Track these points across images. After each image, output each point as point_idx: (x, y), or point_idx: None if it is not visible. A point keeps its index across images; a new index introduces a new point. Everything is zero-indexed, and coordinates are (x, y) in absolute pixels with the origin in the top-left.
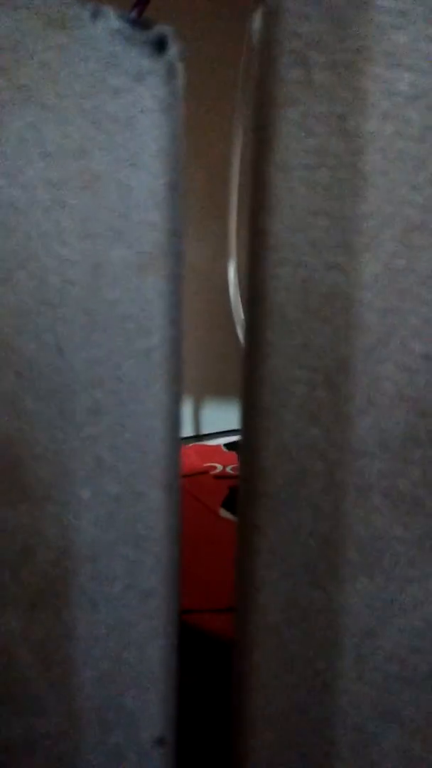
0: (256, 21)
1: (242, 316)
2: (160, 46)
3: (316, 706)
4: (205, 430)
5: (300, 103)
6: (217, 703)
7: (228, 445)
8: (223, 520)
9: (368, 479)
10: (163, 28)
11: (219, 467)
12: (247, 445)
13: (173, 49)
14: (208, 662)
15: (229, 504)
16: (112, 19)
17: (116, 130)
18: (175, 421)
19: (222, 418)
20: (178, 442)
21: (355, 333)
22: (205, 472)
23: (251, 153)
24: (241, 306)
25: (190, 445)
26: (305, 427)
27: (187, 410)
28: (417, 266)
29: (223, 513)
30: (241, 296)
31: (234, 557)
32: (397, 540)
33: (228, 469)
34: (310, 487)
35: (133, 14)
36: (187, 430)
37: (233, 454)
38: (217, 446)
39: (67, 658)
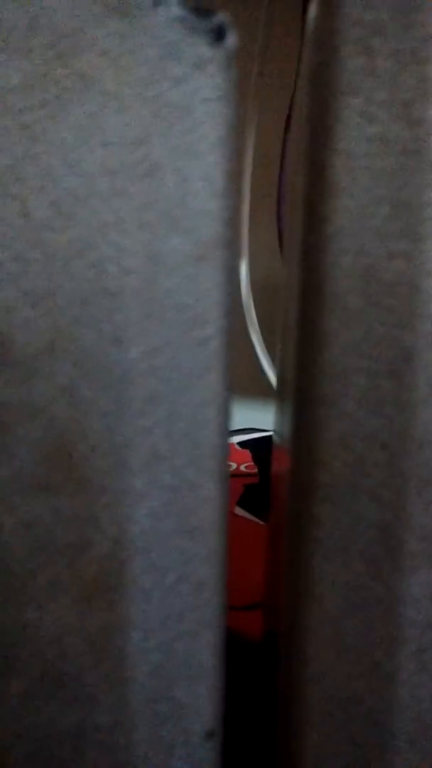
0: (313, 9)
1: (254, 315)
2: (219, 34)
3: (373, 697)
4: None
5: (363, 90)
6: (241, 699)
7: (242, 444)
8: (239, 518)
9: (430, 470)
10: (221, 17)
11: (233, 465)
12: (302, 436)
13: (232, 38)
14: (230, 660)
15: (245, 502)
16: (173, 7)
17: (176, 119)
18: (226, 412)
19: (234, 416)
20: (227, 432)
21: (419, 322)
22: None
23: (307, 142)
24: (252, 306)
25: None
26: (366, 416)
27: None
28: None
29: (239, 511)
30: (301, 287)
31: (284, 548)
32: None
33: (242, 468)
34: (371, 478)
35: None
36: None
37: (247, 453)
38: (231, 444)
39: (121, 649)
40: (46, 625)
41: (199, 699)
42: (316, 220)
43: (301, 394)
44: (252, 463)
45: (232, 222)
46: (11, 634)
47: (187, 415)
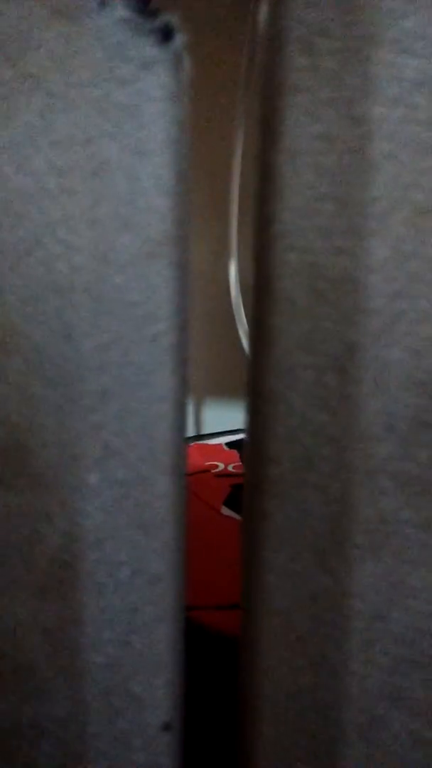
0: (263, 9)
1: (243, 315)
2: (166, 35)
3: (323, 689)
4: (206, 430)
5: (307, 89)
6: (221, 698)
7: (229, 444)
8: (225, 518)
9: (376, 463)
10: (169, 17)
11: (221, 466)
12: (254, 431)
13: (179, 39)
14: (212, 659)
15: (231, 502)
16: (119, 9)
17: (123, 119)
18: (181, 407)
19: (223, 417)
20: (184, 428)
21: (364, 317)
22: (206, 470)
23: (257, 141)
24: (242, 305)
25: (192, 444)
26: (313, 411)
27: (188, 410)
28: (424, 250)
29: (225, 511)
30: (253, 284)
31: (241, 543)
32: (405, 523)
33: (230, 468)
34: (318, 471)
35: (139, 3)
36: (188, 430)
37: (234, 453)
38: (219, 445)
39: (75, 643)
40: (1, 618)
41: (156, 692)
42: (264, 219)
43: (251, 390)
44: (240, 463)
45: (182, 220)
46: None
47: (139, 411)
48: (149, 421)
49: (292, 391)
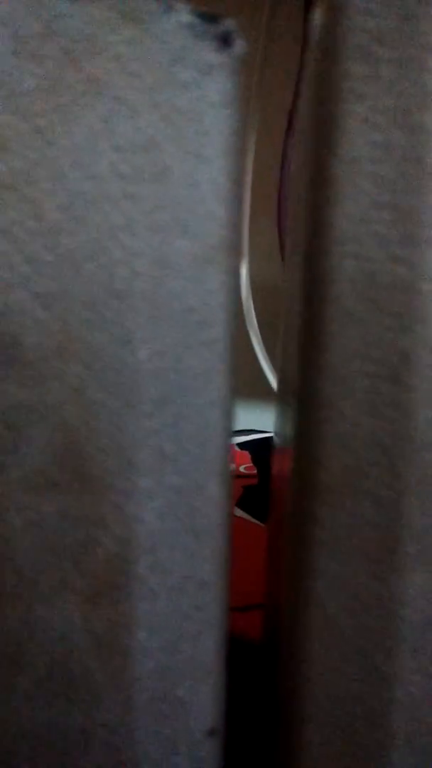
0: (317, 16)
1: (254, 316)
2: (226, 40)
3: (372, 696)
4: None
5: (365, 97)
6: (242, 701)
7: (241, 445)
8: (238, 519)
9: (428, 471)
10: (229, 23)
11: (232, 467)
12: (303, 437)
13: (239, 44)
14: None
15: (244, 503)
16: (183, 14)
17: (185, 124)
18: (231, 414)
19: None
20: (232, 434)
21: (419, 325)
22: None
23: (310, 147)
24: (252, 307)
25: None
26: (366, 418)
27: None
28: None
29: (238, 512)
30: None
31: (285, 549)
32: None
33: (242, 469)
34: (371, 479)
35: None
36: None
37: (246, 454)
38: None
39: (127, 648)
40: (53, 623)
41: (202, 698)
42: (320, 225)
43: (303, 397)
44: (251, 465)
45: (237, 226)
46: (18, 632)
47: (193, 417)
48: (202, 427)
49: (345, 397)
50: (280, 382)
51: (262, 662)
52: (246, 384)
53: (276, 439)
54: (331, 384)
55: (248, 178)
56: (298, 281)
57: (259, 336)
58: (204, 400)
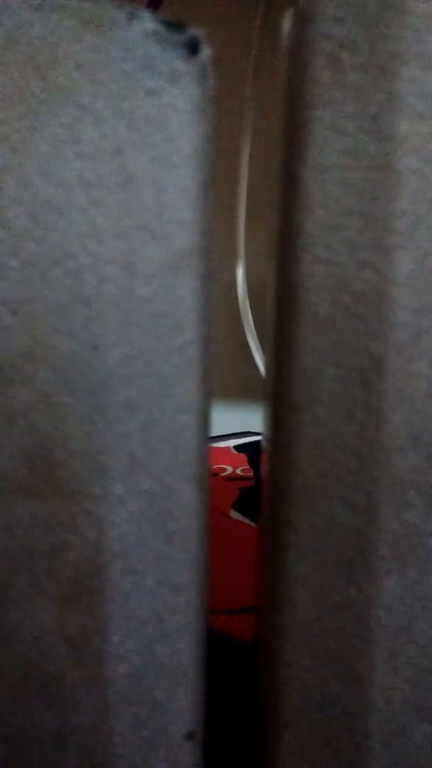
0: (286, 23)
1: (251, 318)
2: (193, 48)
3: (348, 699)
4: (213, 433)
5: (332, 104)
6: (231, 703)
7: (237, 447)
8: (234, 521)
9: (401, 475)
10: (195, 30)
11: (229, 469)
12: (276, 441)
13: (205, 51)
14: (222, 663)
15: (240, 505)
16: (147, 21)
17: (151, 131)
18: (205, 418)
19: (231, 420)
20: (207, 438)
21: (389, 331)
22: (215, 474)
23: (279, 151)
24: (249, 309)
25: None
26: (338, 423)
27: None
28: None
29: (234, 514)
30: (275, 295)
31: (260, 553)
32: (430, 535)
33: (238, 471)
34: (343, 483)
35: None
36: None
37: (243, 456)
38: (227, 448)
39: (101, 651)
40: (27, 627)
41: (180, 700)
42: (289, 231)
43: (276, 400)
44: (248, 467)
45: (206, 231)
46: None
47: (164, 421)
48: (174, 431)
49: (317, 402)
50: (264, 384)
51: (253, 664)
52: (243, 386)
53: (262, 442)
54: (302, 388)
55: (244, 181)
56: (272, 287)
57: (256, 338)
58: (175, 405)
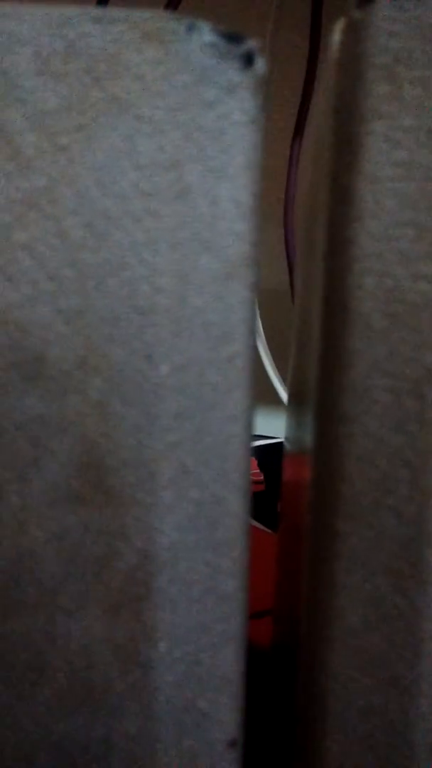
0: (336, 33)
1: (259, 323)
2: (249, 59)
3: (394, 709)
4: None
5: (388, 116)
6: (253, 707)
7: None
8: None
9: None
10: (251, 42)
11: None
12: (324, 451)
13: (261, 63)
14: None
15: (251, 510)
16: (206, 33)
17: (207, 143)
18: (250, 428)
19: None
20: (250, 448)
21: None
22: None
23: (330, 162)
24: (259, 314)
25: None
26: (389, 434)
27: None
28: None
29: None
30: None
31: (305, 562)
32: None
33: None
34: (393, 494)
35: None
36: None
37: (253, 460)
38: None
39: (147, 659)
40: (75, 635)
41: (222, 709)
42: (341, 242)
43: (324, 411)
44: (258, 471)
45: (257, 242)
46: (40, 644)
47: (213, 431)
48: (222, 441)
49: (368, 413)
50: (292, 388)
51: (272, 670)
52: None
53: (288, 445)
54: (353, 399)
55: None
56: (319, 297)
57: (265, 341)
58: (225, 414)
